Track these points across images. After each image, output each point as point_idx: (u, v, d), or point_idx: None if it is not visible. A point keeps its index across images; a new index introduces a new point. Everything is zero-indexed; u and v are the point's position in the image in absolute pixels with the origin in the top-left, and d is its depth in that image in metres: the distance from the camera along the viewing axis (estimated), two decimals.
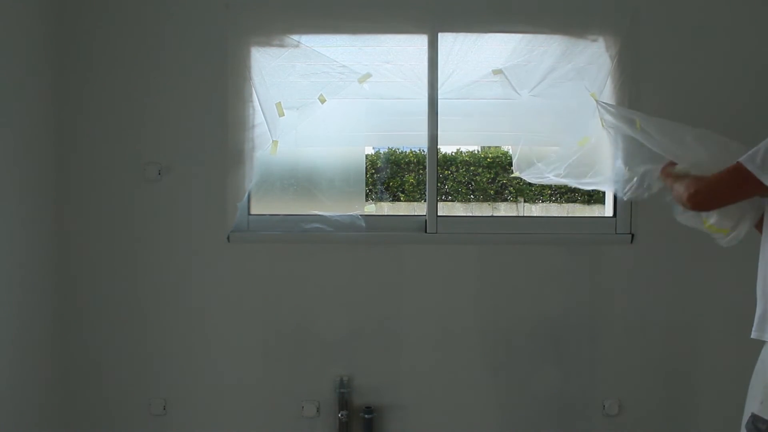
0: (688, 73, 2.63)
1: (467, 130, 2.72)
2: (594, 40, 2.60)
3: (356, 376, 2.67)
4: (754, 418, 1.82)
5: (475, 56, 2.57)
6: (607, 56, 2.59)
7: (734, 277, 2.68)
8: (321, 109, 2.56)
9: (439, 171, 2.70)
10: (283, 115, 2.54)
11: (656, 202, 2.67)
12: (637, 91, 2.61)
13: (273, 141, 2.56)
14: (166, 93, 2.60)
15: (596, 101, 2.48)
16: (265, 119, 2.54)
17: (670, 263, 2.67)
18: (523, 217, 3.25)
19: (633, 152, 2.33)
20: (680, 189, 1.97)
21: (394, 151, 3.23)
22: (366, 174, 2.82)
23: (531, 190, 3.35)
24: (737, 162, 1.79)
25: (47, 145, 2.54)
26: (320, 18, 2.56)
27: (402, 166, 3.22)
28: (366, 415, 2.62)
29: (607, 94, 2.63)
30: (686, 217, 2.13)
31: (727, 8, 2.62)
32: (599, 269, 2.69)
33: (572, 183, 2.55)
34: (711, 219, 2.04)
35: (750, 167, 1.76)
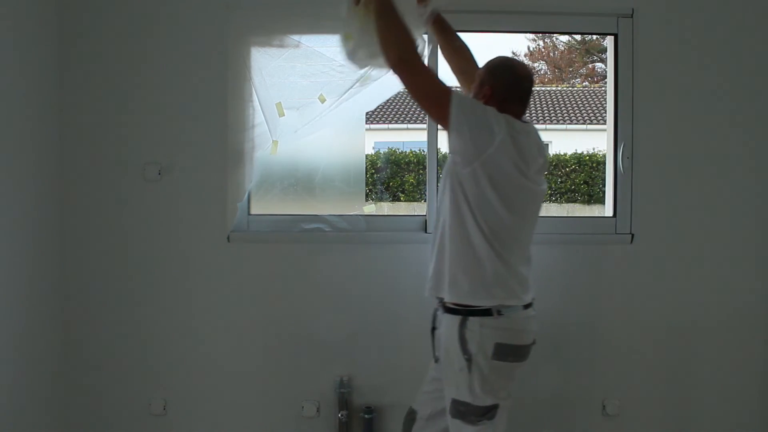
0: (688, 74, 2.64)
1: None
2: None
3: (356, 376, 2.67)
4: (456, 403, 1.94)
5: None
6: None
7: (734, 277, 2.68)
8: (320, 108, 2.56)
9: (440, 171, 2.70)
10: (284, 115, 2.54)
11: (656, 202, 2.68)
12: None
13: (273, 141, 2.56)
14: (167, 93, 2.60)
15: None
16: (265, 119, 2.54)
17: (670, 263, 2.67)
18: None
19: None
20: (395, 42, 1.91)
21: (394, 151, 3.23)
22: (366, 174, 2.82)
23: None
24: (451, 92, 1.83)
25: (48, 146, 2.54)
26: (320, 18, 2.55)
27: (402, 166, 3.22)
28: (366, 415, 2.61)
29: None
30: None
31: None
32: (599, 269, 2.69)
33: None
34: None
35: (453, 104, 1.80)
